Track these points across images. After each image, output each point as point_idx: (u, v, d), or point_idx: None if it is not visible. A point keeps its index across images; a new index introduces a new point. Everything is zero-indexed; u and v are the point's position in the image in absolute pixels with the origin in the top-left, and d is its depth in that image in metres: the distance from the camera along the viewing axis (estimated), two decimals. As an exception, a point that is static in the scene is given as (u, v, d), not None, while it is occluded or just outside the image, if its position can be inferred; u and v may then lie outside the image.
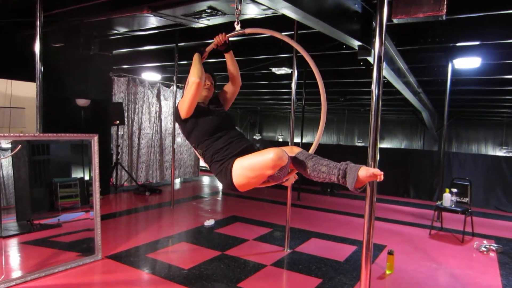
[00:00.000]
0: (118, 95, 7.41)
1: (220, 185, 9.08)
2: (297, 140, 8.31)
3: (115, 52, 6.87)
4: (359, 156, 7.56)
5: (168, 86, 8.61)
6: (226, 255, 3.93)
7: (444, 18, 2.78)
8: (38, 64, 3.22)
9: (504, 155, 12.98)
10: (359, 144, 15.47)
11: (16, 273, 3.22)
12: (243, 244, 4.32)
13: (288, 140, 4.86)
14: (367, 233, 1.67)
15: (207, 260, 3.74)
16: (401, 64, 5.95)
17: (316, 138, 2.13)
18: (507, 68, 6.54)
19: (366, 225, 1.66)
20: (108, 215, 5.37)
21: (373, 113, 1.64)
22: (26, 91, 6.43)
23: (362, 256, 1.68)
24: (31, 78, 3.39)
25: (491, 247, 4.54)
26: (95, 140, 3.57)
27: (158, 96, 8.28)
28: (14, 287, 2.94)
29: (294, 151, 1.96)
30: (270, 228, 5.05)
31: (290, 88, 4.18)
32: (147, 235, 4.53)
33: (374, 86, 1.65)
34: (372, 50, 4.58)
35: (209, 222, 5.16)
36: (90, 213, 4.23)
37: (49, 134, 3.26)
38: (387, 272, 3.67)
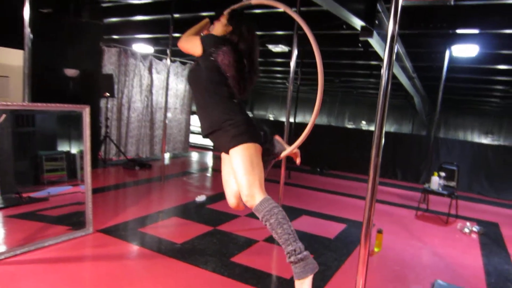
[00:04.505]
0: (108, 67, 7.21)
1: (210, 162, 9.07)
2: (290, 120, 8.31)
3: (106, 21, 6.66)
4: (351, 140, 7.62)
5: (161, 59, 8.43)
6: (219, 230, 3.96)
7: (452, 3, 2.75)
8: (27, 30, 3.08)
9: (489, 143, 13.25)
10: (349, 126, 15.57)
11: (3, 247, 3.14)
12: (235, 220, 4.35)
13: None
14: (368, 212, 1.68)
15: (200, 235, 3.76)
16: (400, 48, 5.94)
17: (310, 123, 2.01)
18: (502, 58, 6.60)
19: (368, 205, 1.68)
20: (97, 189, 5.31)
21: (381, 93, 1.63)
22: (11, 59, 6.19)
23: (361, 235, 1.71)
24: (17, 45, 3.24)
25: (473, 229, 4.69)
26: (86, 112, 3.48)
27: (150, 69, 8.10)
28: (3, 261, 2.88)
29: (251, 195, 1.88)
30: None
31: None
32: (138, 210, 4.51)
33: (384, 68, 1.63)
34: (374, 31, 4.55)
35: (201, 198, 5.17)
36: (81, 186, 4.19)
37: (39, 104, 3.15)
38: (376, 250, 3.76)
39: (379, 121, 1.65)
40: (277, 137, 2.27)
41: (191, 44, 2.01)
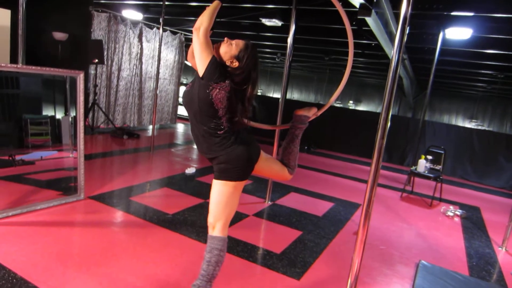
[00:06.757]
0: (98, 32, 6.98)
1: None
2: (276, 95, 8.30)
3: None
4: (338, 119, 7.60)
5: (151, 27, 8.19)
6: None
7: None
8: (22, -11, 2.95)
9: (474, 127, 13.57)
10: (337, 105, 15.62)
11: (-5, 208, 3.13)
12: (225, 194, 4.38)
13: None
14: (369, 193, 1.72)
15: (190, 207, 3.80)
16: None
17: (331, 99, 2.43)
18: (493, 43, 6.65)
19: (370, 187, 1.72)
20: (85, 155, 5.25)
21: (390, 76, 1.64)
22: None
23: (361, 214, 1.75)
24: (5, 4, 3.10)
25: (456, 212, 4.86)
26: (81, 78, 3.39)
27: (140, 37, 7.88)
28: (-5, 222, 2.88)
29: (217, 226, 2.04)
30: (251, 180, 5.14)
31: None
32: (128, 179, 4.50)
33: (395, 51, 1.63)
34: (373, 10, 4.51)
35: (190, 170, 5.18)
36: (73, 151, 4.12)
37: (33, 67, 3.05)
38: (362, 229, 3.87)
39: (386, 103, 1.66)
40: (297, 112, 2.37)
41: (199, 58, 1.85)
